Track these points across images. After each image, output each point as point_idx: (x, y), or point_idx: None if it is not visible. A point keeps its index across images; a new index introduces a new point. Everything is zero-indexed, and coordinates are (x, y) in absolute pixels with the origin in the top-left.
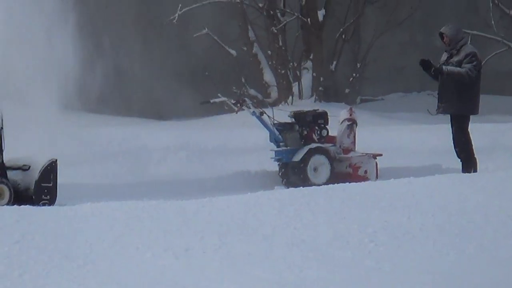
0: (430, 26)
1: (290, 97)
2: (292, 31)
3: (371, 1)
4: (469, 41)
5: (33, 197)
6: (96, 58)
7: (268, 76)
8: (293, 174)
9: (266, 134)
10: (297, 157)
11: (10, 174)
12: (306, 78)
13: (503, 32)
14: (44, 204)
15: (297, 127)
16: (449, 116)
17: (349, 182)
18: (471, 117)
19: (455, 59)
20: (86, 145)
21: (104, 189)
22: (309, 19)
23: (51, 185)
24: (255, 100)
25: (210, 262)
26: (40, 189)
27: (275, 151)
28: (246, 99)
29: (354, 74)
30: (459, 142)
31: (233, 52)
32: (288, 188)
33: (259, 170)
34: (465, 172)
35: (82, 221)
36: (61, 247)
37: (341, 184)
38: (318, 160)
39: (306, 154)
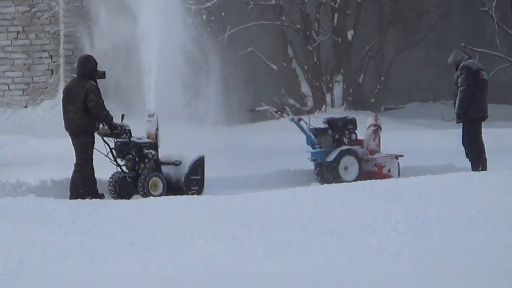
0: (444, 45)
1: (324, 106)
2: (325, 49)
3: (393, 23)
4: (477, 58)
5: (183, 188)
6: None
7: (305, 88)
8: (326, 172)
9: (303, 137)
10: (330, 158)
11: (164, 168)
12: (338, 89)
13: (506, 50)
14: (192, 194)
15: (330, 131)
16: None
17: (375, 179)
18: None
19: (456, 75)
20: None
21: None
22: (339, 39)
23: (199, 177)
24: (293, 109)
25: (254, 248)
26: (189, 181)
27: (311, 153)
28: (286, 107)
29: (378, 86)
30: (467, 144)
31: (275, 67)
32: (322, 184)
33: (297, 169)
34: (474, 171)
35: (144, 213)
36: (127, 236)
37: (368, 181)
38: (348, 160)
39: (338, 155)
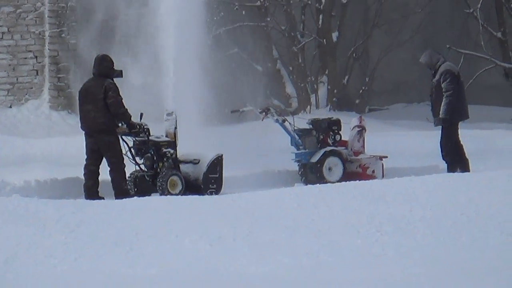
0: (429, 46)
1: (309, 107)
2: (310, 50)
3: (378, 25)
4: (461, 59)
5: (202, 186)
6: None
7: (290, 89)
8: (311, 173)
9: (287, 138)
10: (315, 159)
11: (183, 167)
12: (322, 90)
13: (491, 52)
14: (211, 193)
15: (314, 132)
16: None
17: (359, 180)
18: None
19: (435, 78)
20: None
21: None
22: (324, 40)
23: (217, 176)
24: (278, 109)
25: (239, 248)
26: (207, 180)
27: (296, 153)
28: (270, 108)
29: (363, 87)
30: (446, 146)
31: (259, 68)
32: (306, 185)
33: (282, 170)
34: (450, 172)
35: (129, 213)
36: (111, 235)
37: (352, 182)
38: (333, 161)
39: (322, 156)
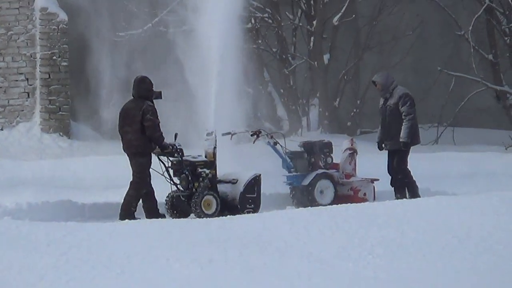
0: (420, 69)
1: (300, 129)
2: (301, 72)
3: (369, 47)
4: (452, 83)
5: (238, 206)
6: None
7: (281, 111)
8: (302, 196)
9: (279, 161)
10: (306, 181)
11: (221, 186)
12: (314, 113)
13: (482, 74)
14: (248, 212)
15: (305, 155)
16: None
17: (351, 203)
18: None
19: (391, 102)
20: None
21: (139, 208)
22: (316, 62)
23: (255, 195)
24: (269, 132)
25: (231, 271)
26: (244, 199)
27: (287, 176)
28: (262, 130)
29: (354, 110)
30: (399, 171)
31: (250, 90)
32: (298, 208)
33: (273, 193)
34: (398, 198)
35: (120, 236)
36: (102, 258)
37: (343, 205)
38: (324, 184)
39: (313, 178)
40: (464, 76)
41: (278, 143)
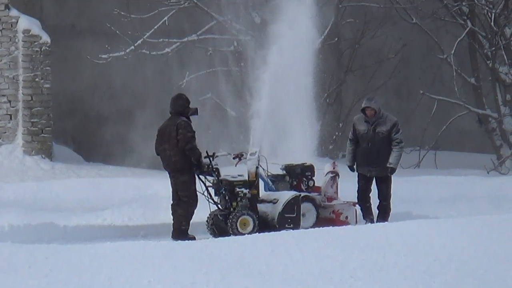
0: (402, 92)
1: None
2: None
3: (351, 70)
4: (435, 106)
5: (277, 225)
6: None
7: None
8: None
9: (261, 184)
10: None
11: (262, 206)
12: None
13: (464, 97)
14: None
15: (287, 178)
16: (365, 173)
17: (332, 226)
18: None
19: (383, 129)
20: (105, 192)
21: (121, 231)
22: None
23: (294, 215)
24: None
25: None
26: (283, 219)
27: None
28: (244, 153)
29: (336, 133)
30: (387, 197)
31: (233, 113)
32: (280, 230)
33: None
34: (382, 221)
35: (102, 258)
36: (84, 281)
37: (325, 228)
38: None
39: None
40: (446, 100)
41: (261, 166)
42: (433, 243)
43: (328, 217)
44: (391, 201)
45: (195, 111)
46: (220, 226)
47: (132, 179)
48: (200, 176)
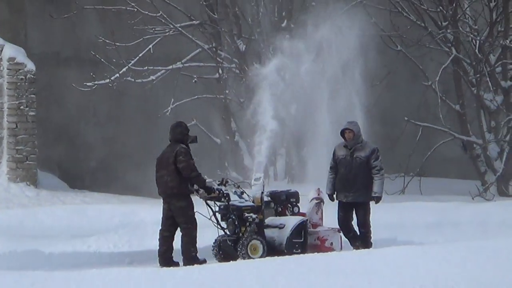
0: (387, 119)
1: (267, 179)
2: None
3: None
4: (419, 133)
5: (285, 250)
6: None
7: (248, 161)
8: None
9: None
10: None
11: (268, 231)
12: (280, 162)
13: (449, 124)
14: None
15: (272, 204)
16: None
17: (317, 253)
18: None
19: (361, 154)
20: (91, 219)
21: (107, 257)
22: None
23: (301, 240)
24: (236, 181)
25: None
26: (291, 244)
27: None
28: (228, 180)
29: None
30: (365, 224)
31: (218, 140)
32: (264, 257)
33: None
34: (361, 247)
35: (88, 285)
36: None
37: (310, 254)
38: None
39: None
40: (431, 126)
41: (245, 192)
42: (419, 269)
43: (313, 244)
44: (371, 228)
45: (195, 139)
46: (227, 251)
47: (118, 206)
48: (208, 202)
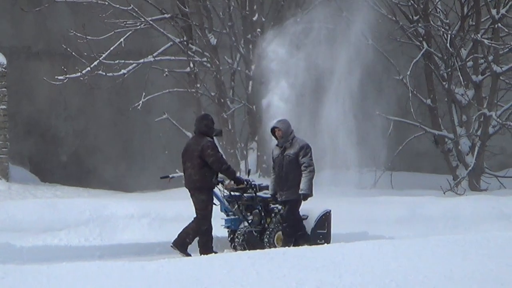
0: (357, 113)
1: (238, 173)
2: (239, 116)
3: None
4: (391, 127)
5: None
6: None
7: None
8: (243, 240)
9: (217, 204)
10: (243, 225)
11: None
12: (252, 156)
13: (420, 118)
14: None
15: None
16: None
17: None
18: None
19: (291, 151)
20: (62, 213)
21: (78, 251)
22: (254, 106)
23: (325, 231)
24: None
25: None
26: (315, 235)
27: (225, 219)
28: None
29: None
30: (287, 219)
31: (189, 134)
32: (236, 251)
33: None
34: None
35: (58, 279)
36: None
37: (281, 248)
38: None
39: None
40: (402, 121)
41: (217, 186)
42: (389, 263)
43: None
44: (301, 226)
45: (220, 132)
46: (252, 242)
47: (89, 200)
48: (232, 193)
